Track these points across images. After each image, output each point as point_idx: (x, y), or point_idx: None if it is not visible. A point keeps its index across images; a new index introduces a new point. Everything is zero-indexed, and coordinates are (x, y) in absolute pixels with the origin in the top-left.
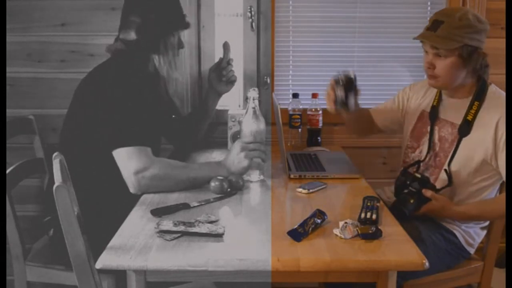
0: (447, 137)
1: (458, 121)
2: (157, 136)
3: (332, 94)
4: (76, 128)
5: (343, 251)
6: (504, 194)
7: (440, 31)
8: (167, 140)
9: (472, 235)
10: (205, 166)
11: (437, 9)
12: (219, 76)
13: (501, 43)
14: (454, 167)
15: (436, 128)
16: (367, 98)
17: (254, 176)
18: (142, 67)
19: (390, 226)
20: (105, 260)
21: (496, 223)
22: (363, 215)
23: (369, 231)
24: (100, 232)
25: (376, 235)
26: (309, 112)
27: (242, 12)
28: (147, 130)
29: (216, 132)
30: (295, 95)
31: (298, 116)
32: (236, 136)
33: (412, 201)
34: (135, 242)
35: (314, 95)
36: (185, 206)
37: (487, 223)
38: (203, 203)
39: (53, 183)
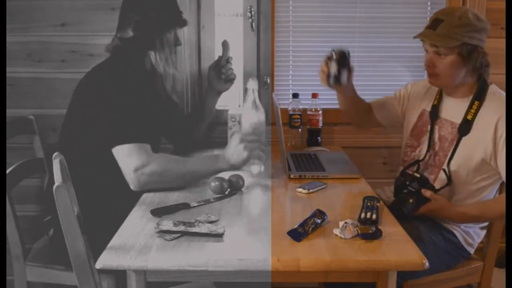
0: (447, 136)
1: (458, 120)
2: (157, 134)
3: (326, 70)
4: (75, 128)
5: (343, 251)
6: (503, 195)
7: (439, 30)
8: (167, 139)
9: (471, 235)
10: (205, 159)
11: (437, 9)
12: (218, 74)
13: (501, 43)
14: (453, 166)
15: (436, 127)
16: (367, 98)
17: (255, 168)
18: (139, 64)
19: (390, 226)
20: (105, 260)
21: (496, 223)
22: (363, 215)
23: (369, 231)
24: (100, 232)
25: (376, 235)
26: (309, 112)
27: (242, 12)
28: (146, 127)
29: (216, 132)
30: (295, 95)
31: (298, 116)
32: None
33: (411, 201)
34: (135, 242)
35: (314, 95)
36: (185, 206)
37: (486, 223)
38: (203, 203)
39: (53, 183)
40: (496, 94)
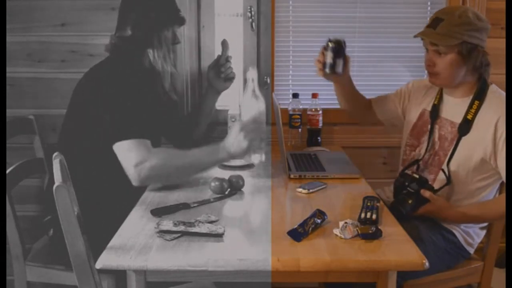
0: (447, 136)
1: (458, 120)
2: (157, 133)
3: (322, 59)
4: (75, 127)
5: (343, 251)
6: (503, 196)
7: (439, 28)
8: (167, 139)
9: (471, 234)
10: (205, 150)
11: (437, 9)
12: (218, 73)
13: (501, 43)
14: (453, 166)
15: (437, 126)
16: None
17: (255, 158)
18: (137, 62)
19: (390, 226)
20: (105, 260)
21: (496, 223)
22: (363, 215)
23: (369, 231)
24: (100, 232)
25: (376, 235)
26: (309, 112)
27: (242, 12)
28: (146, 123)
29: (216, 132)
30: (295, 95)
31: (298, 116)
32: None
33: (410, 201)
34: (135, 242)
35: (314, 95)
36: (185, 206)
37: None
38: (203, 203)
39: (53, 183)
40: (496, 94)
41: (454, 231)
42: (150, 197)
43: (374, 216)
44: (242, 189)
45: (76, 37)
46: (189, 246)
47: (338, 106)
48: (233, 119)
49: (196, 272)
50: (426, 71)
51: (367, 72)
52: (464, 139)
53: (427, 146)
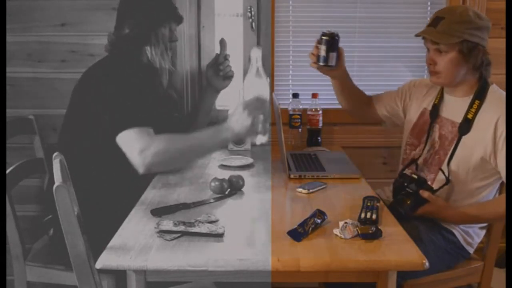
0: (447, 135)
1: (459, 119)
2: (156, 131)
3: (316, 52)
4: (75, 127)
5: (343, 251)
6: (502, 196)
7: (440, 27)
8: None
9: (471, 234)
10: (208, 131)
11: (437, 8)
12: (216, 71)
13: (501, 43)
14: (453, 165)
15: (437, 126)
16: None
17: (259, 138)
18: (135, 60)
19: (390, 226)
20: (105, 260)
21: (496, 223)
22: (363, 215)
23: (369, 231)
24: (100, 232)
25: (376, 235)
26: (309, 112)
27: (242, 12)
28: (147, 112)
29: None
30: (295, 95)
31: (298, 116)
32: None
33: (409, 202)
34: (135, 242)
35: (314, 95)
36: (185, 206)
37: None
38: (203, 203)
39: (53, 183)
40: (496, 94)
41: (454, 231)
42: (150, 197)
43: (374, 216)
44: (242, 189)
45: (76, 37)
46: (189, 246)
47: (338, 106)
48: None
49: (196, 272)
50: (426, 71)
51: (367, 72)
52: (464, 138)
53: (425, 145)
